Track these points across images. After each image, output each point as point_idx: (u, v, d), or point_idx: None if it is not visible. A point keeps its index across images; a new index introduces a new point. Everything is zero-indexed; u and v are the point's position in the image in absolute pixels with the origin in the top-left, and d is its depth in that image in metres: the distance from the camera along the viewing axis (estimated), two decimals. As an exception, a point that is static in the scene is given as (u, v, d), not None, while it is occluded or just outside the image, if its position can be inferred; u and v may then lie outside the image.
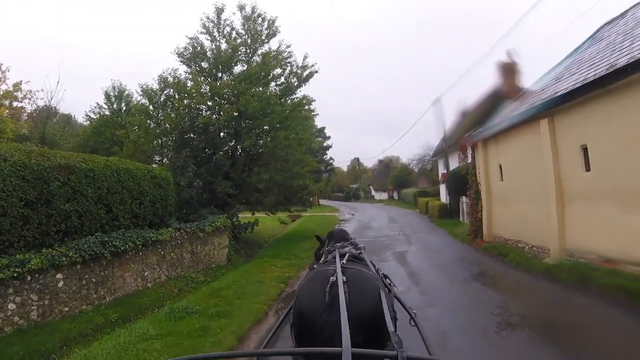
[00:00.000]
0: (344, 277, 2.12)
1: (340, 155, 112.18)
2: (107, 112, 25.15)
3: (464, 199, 19.22)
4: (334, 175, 64.53)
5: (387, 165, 65.43)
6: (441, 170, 30.90)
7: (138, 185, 10.31)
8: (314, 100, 17.85)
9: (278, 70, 17.08)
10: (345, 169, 78.64)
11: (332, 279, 2.12)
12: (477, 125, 17.44)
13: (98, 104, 25.37)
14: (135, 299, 9.01)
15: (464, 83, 48.46)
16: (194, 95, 16.04)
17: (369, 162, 78.60)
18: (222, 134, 16.90)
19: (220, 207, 15.12)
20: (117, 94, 25.13)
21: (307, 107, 17.51)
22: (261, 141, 15.27)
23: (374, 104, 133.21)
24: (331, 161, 58.40)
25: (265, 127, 16.36)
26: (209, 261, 12.16)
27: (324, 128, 54.45)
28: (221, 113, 16.21)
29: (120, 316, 8.11)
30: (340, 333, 1.58)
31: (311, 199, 34.11)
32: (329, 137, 56.26)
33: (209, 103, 16.51)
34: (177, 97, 16.77)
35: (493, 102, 23.20)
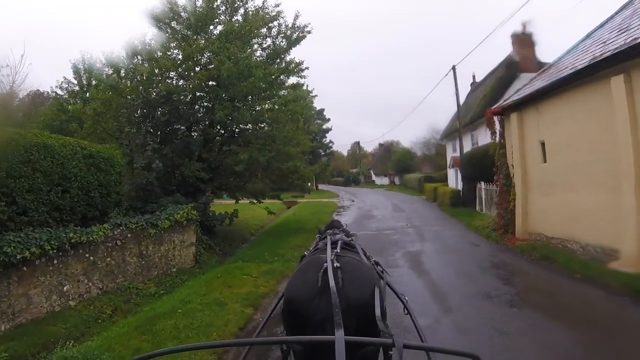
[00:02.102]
0: (338, 264, 1.98)
1: (339, 140, 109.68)
2: (76, 88, 22.40)
3: (482, 185, 16.53)
4: (333, 159, 61.93)
5: (387, 149, 62.47)
6: (450, 153, 28.25)
7: (61, 167, 7.63)
8: (307, 68, 14.88)
9: (263, 30, 14.11)
10: (345, 153, 76.08)
11: (326, 265, 1.95)
12: (496, 102, 14.80)
13: (66, 79, 22.54)
14: (46, 327, 6.43)
15: (476, 57, 45.27)
16: (162, 60, 13.19)
17: (369, 145, 76.09)
18: (196, 106, 14.01)
19: (191, 194, 12.39)
20: (86, 67, 22.30)
21: (297, 72, 14.44)
22: (237, 113, 12.31)
23: (371, 89, 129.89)
24: (330, 144, 55.77)
25: (248, 98, 13.49)
26: (167, 265, 9.41)
27: (323, 110, 51.76)
28: (195, 81, 13.36)
29: (12, 356, 5.58)
30: (332, 318, 1.54)
31: (309, 184, 31.47)
32: (328, 120, 53.60)
33: (179, 70, 13.64)
34: (146, 65, 13.94)
35: (512, 75, 20.71)
